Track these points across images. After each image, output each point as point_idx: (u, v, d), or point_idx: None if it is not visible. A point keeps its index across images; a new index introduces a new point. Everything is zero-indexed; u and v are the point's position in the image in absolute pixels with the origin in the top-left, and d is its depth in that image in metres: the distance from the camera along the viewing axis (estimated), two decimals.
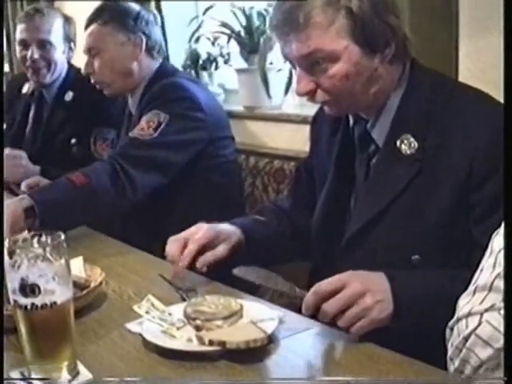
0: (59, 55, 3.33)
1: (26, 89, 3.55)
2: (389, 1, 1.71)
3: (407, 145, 1.68)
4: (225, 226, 1.93)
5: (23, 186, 2.84)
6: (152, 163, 2.52)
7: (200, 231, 1.84)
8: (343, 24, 1.63)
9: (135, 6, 2.84)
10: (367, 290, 1.48)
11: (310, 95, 1.72)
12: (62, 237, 1.35)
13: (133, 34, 2.74)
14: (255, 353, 1.44)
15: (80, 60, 2.99)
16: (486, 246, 1.31)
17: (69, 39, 3.36)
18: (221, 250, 1.86)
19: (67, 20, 3.38)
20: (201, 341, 1.46)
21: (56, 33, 3.31)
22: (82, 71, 2.85)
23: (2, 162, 1.66)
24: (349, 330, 1.48)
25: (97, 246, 2.27)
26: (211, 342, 1.44)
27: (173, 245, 1.85)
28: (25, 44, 3.31)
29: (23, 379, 1.39)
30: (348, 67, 1.66)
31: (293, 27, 1.65)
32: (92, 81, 2.83)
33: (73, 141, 3.28)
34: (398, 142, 1.69)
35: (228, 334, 1.47)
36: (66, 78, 3.37)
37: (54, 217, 2.21)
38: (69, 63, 3.39)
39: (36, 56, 3.30)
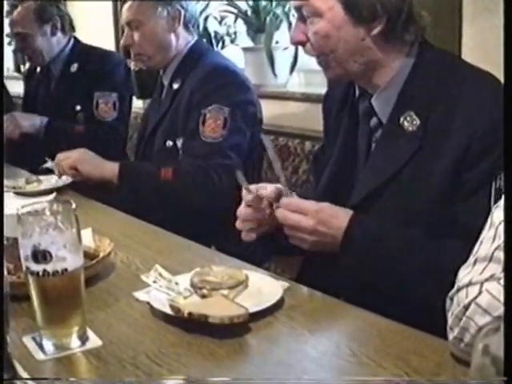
0: (41, 40, 3.44)
1: (38, 69, 3.69)
2: None
3: (410, 121, 1.70)
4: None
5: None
6: (234, 160, 2.59)
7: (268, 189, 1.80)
8: None
9: None
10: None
11: (301, 45, 1.79)
12: (73, 206, 1.39)
13: (171, 7, 2.77)
14: (259, 324, 1.48)
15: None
16: (468, 224, 1.36)
17: (48, 20, 3.45)
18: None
19: (44, 3, 3.46)
20: (179, 312, 1.47)
21: (29, 23, 3.43)
22: (121, 43, 2.90)
23: (2, 163, 1.69)
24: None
25: (105, 219, 2.31)
26: (190, 315, 1.45)
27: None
28: (10, 37, 3.47)
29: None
30: (330, 27, 1.69)
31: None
32: (131, 53, 2.88)
33: (77, 107, 3.39)
34: (402, 119, 1.71)
35: (208, 308, 1.47)
36: (71, 51, 3.47)
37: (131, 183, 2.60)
38: (74, 38, 3.49)
39: (18, 47, 3.58)
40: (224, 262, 1.82)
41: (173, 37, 2.79)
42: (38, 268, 1.34)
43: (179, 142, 2.67)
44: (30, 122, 3.38)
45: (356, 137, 1.86)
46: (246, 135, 2.67)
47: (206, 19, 3.61)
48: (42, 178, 2.88)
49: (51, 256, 1.33)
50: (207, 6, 3.55)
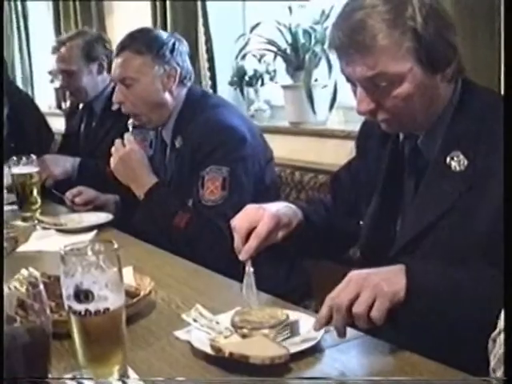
0: (86, 78, 3.49)
1: (81, 105, 3.72)
2: (449, 19, 1.71)
3: (457, 162, 1.68)
4: (287, 211, 1.94)
5: (68, 195, 2.95)
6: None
7: (262, 223, 1.83)
8: (408, 46, 1.63)
9: (170, 36, 2.79)
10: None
11: (371, 114, 1.73)
12: (116, 246, 1.40)
13: (168, 65, 2.69)
14: (300, 364, 1.47)
15: None
16: None
17: (95, 59, 3.51)
18: (278, 237, 1.89)
19: (91, 41, 3.52)
20: (220, 352, 1.47)
21: (75, 60, 3.49)
22: (113, 99, 2.83)
23: (1, 164, 1.70)
24: (369, 317, 1.49)
25: (146, 257, 2.32)
26: (231, 355, 1.45)
27: (236, 236, 1.85)
28: (55, 74, 3.51)
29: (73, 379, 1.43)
30: (411, 88, 1.66)
31: (358, 49, 1.64)
32: (123, 110, 2.80)
33: None
34: (448, 159, 1.69)
35: (249, 349, 1.47)
36: (113, 90, 3.47)
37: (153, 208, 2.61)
38: None
39: (64, 84, 3.60)
40: (264, 301, 1.82)
41: (167, 95, 2.71)
42: (80, 307, 1.35)
43: (189, 204, 2.63)
44: (62, 167, 3.39)
45: (401, 178, 1.85)
46: (249, 190, 2.61)
47: (244, 57, 3.63)
48: (82, 215, 2.91)
49: (93, 296, 1.34)
50: (246, 44, 3.57)
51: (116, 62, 2.74)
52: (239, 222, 1.85)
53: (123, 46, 2.72)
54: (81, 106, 3.76)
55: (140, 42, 2.70)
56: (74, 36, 3.61)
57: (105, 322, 1.37)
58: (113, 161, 2.74)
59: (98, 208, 3.01)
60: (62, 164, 3.42)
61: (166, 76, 2.69)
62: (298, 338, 1.57)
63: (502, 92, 1.32)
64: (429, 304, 1.54)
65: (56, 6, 5.42)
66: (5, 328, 1.28)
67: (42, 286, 1.28)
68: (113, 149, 2.75)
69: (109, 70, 3.46)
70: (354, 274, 1.55)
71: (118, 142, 2.77)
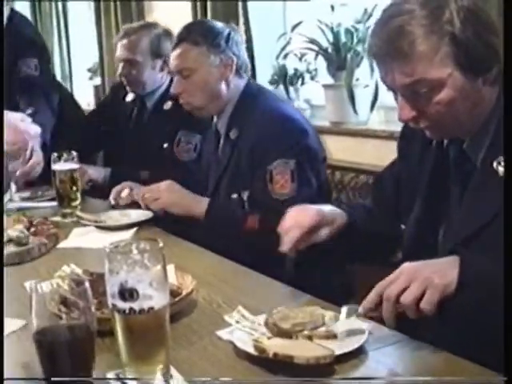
0: (148, 71, 3.46)
1: (129, 97, 3.72)
2: (489, 21, 1.67)
3: (503, 165, 1.66)
4: (331, 210, 1.95)
5: (113, 193, 2.95)
6: None
7: (306, 216, 1.86)
8: (447, 51, 1.60)
9: (224, 26, 2.83)
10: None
11: (414, 122, 1.71)
12: (161, 244, 1.39)
13: (224, 54, 2.72)
14: (344, 366, 1.46)
15: None
16: None
17: (161, 55, 3.48)
18: (322, 235, 1.89)
19: (161, 36, 3.48)
20: (264, 353, 1.46)
21: (142, 52, 3.45)
22: (171, 91, 2.86)
23: (1, 163, 1.74)
24: (419, 309, 1.48)
25: (185, 255, 2.31)
26: (276, 355, 1.45)
27: (283, 224, 1.89)
28: (118, 61, 3.51)
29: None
30: (452, 93, 1.63)
31: (396, 57, 1.63)
32: (180, 101, 2.84)
33: (165, 145, 3.40)
34: (495, 163, 1.67)
35: (293, 349, 1.47)
36: (167, 88, 3.47)
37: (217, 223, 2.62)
38: (171, 75, 3.51)
39: (124, 73, 3.53)
40: (306, 302, 1.81)
41: (224, 85, 2.74)
42: (124, 306, 1.35)
43: (244, 195, 2.64)
44: (97, 172, 3.42)
45: (446, 182, 1.82)
46: (314, 183, 2.63)
47: (285, 56, 3.62)
48: (122, 212, 2.91)
49: (138, 294, 1.34)
50: (288, 43, 3.56)
51: (173, 54, 2.79)
52: (285, 222, 1.88)
53: (180, 39, 2.78)
54: (129, 97, 3.73)
55: (196, 33, 2.75)
56: (145, 27, 3.60)
57: (149, 321, 1.37)
58: (160, 204, 2.72)
59: (139, 206, 3.00)
60: (97, 170, 3.46)
61: (222, 66, 2.73)
62: (342, 339, 1.55)
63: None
64: (480, 297, 1.51)
65: (97, 5, 5.44)
66: (48, 325, 1.29)
67: (87, 284, 1.29)
68: (148, 198, 2.74)
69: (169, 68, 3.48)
70: (406, 266, 1.56)
71: (145, 190, 2.79)
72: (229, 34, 2.75)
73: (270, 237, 2.51)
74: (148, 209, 2.75)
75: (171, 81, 3.47)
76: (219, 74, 2.73)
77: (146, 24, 3.71)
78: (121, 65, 3.54)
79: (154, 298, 1.35)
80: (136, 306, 1.34)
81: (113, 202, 2.97)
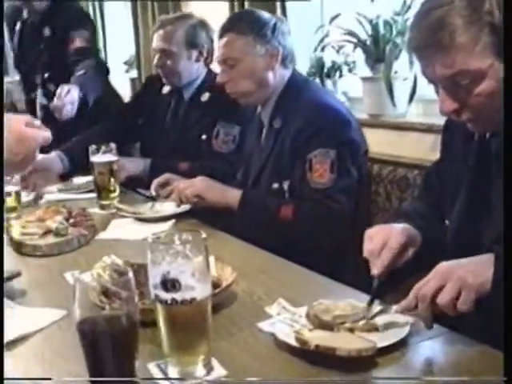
0: (184, 62, 3.46)
1: (166, 89, 3.71)
2: None
3: None
4: (410, 228, 1.90)
5: (153, 185, 2.96)
6: (344, 204, 2.55)
7: (394, 237, 1.81)
8: (487, 42, 1.57)
9: (271, 16, 2.82)
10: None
11: (455, 114, 1.68)
12: (203, 235, 1.40)
13: (270, 44, 2.72)
14: (386, 358, 1.45)
15: None
16: None
17: (197, 45, 3.47)
18: (409, 254, 1.84)
19: (196, 26, 3.48)
20: (306, 345, 1.46)
21: (177, 42, 3.45)
22: (217, 80, 2.86)
23: (1, 163, 1.68)
24: (455, 309, 1.48)
25: (224, 247, 2.31)
26: (318, 347, 1.44)
27: (369, 246, 1.83)
28: (154, 52, 3.54)
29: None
30: (494, 84, 1.59)
31: (436, 48, 1.60)
32: (227, 90, 2.84)
33: (203, 137, 3.41)
34: None
35: (335, 341, 1.46)
36: (204, 80, 3.49)
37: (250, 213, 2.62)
38: (208, 67, 3.53)
39: (160, 63, 3.53)
40: (346, 294, 1.81)
41: (270, 74, 2.74)
42: (166, 296, 1.35)
43: (285, 185, 2.64)
44: (135, 165, 3.41)
45: (489, 176, 1.80)
46: (354, 174, 2.61)
47: (323, 49, 3.61)
48: (160, 204, 2.91)
49: (180, 285, 1.34)
50: (326, 35, 3.55)
51: (219, 43, 2.80)
52: (370, 244, 1.83)
53: (226, 29, 2.78)
54: (165, 89, 3.74)
55: (242, 23, 2.76)
56: (180, 17, 3.61)
57: (191, 312, 1.38)
58: (195, 190, 2.70)
59: None
60: (135, 162, 3.45)
61: (268, 56, 2.72)
62: (384, 332, 1.54)
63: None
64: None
65: None
66: (91, 315, 1.29)
67: (131, 274, 1.29)
68: (183, 187, 2.74)
69: (205, 59, 3.49)
70: (441, 266, 1.56)
71: (178, 184, 2.78)
72: (275, 24, 2.74)
73: (303, 226, 2.53)
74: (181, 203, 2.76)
75: (208, 72, 3.51)
76: (265, 64, 2.72)
77: (181, 15, 3.72)
78: (157, 56, 3.54)
79: (197, 289, 1.36)
80: (178, 296, 1.35)
81: (154, 194, 2.98)
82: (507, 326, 1.25)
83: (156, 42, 3.53)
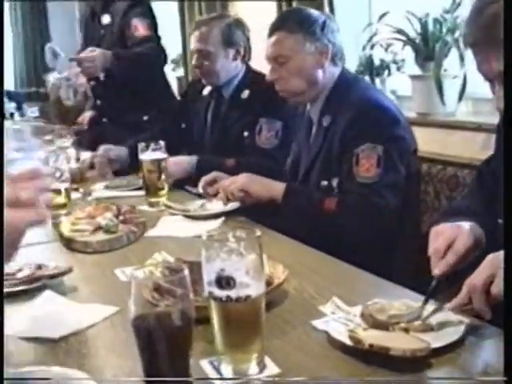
0: (221, 61, 3.48)
1: (206, 91, 3.73)
2: None
3: None
4: (477, 230, 1.84)
5: (201, 183, 2.97)
6: (389, 199, 2.53)
7: (461, 239, 1.75)
8: None
9: (320, 14, 2.81)
10: None
11: None
12: (258, 233, 1.39)
13: (319, 42, 2.70)
14: (440, 359, 1.44)
15: None
16: None
17: (233, 44, 3.50)
18: (472, 256, 1.78)
19: (232, 25, 3.51)
20: (360, 344, 1.45)
21: (214, 42, 3.48)
22: (267, 78, 2.85)
23: (1, 161, 1.67)
24: None
25: (275, 245, 2.31)
26: (372, 347, 1.44)
27: (434, 245, 1.78)
28: (192, 53, 3.59)
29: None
30: None
31: (492, 44, 1.58)
32: (276, 88, 2.83)
33: (245, 134, 3.43)
34: None
35: (389, 341, 1.45)
36: (243, 78, 3.51)
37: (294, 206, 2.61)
38: (246, 64, 3.55)
39: (198, 64, 3.56)
40: (398, 293, 1.80)
41: (320, 72, 2.72)
42: (221, 294, 1.36)
43: (334, 182, 2.63)
44: (181, 167, 3.38)
45: None
46: (401, 172, 2.59)
47: (372, 47, 3.60)
48: (208, 202, 2.92)
49: (235, 282, 1.34)
50: (375, 33, 3.54)
51: (269, 41, 2.78)
52: (435, 242, 1.78)
53: (276, 27, 2.77)
54: (206, 91, 3.75)
55: (291, 21, 2.75)
56: (215, 18, 3.63)
57: (245, 309, 1.38)
58: (239, 185, 2.71)
59: None
60: (180, 165, 3.43)
61: (317, 53, 2.71)
62: (438, 332, 1.53)
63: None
64: None
65: None
66: (146, 311, 1.30)
67: (186, 272, 1.29)
68: (228, 184, 2.75)
69: (242, 57, 3.50)
70: (491, 256, 1.55)
71: (223, 182, 2.79)
72: (324, 22, 2.73)
73: (347, 219, 2.52)
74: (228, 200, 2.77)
75: (247, 70, 3.53)
76: (314, 62, 2.71)
77: (216, 15, 3.75)
78: (194, 57, 3.57)
79: (251, 287, 1.36)
80: (233, 293, 1.35)
81: (201, 192, 2.98)
82: (507, 326, 1.24)
83: (193, 43, 3.58)
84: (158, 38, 4.51)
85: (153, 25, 4.48)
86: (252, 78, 3.52)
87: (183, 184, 3.36)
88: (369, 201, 2.49)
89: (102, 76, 4.48)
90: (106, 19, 4.62)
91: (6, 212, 1.24)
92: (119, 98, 4.58)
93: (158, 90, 4.52)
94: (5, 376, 1.12)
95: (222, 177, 2.92)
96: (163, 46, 4.52)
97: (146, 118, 4.51)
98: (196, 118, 3.75)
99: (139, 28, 4.40)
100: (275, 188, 2.67)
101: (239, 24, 3.57)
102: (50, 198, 1.42)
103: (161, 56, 4.48)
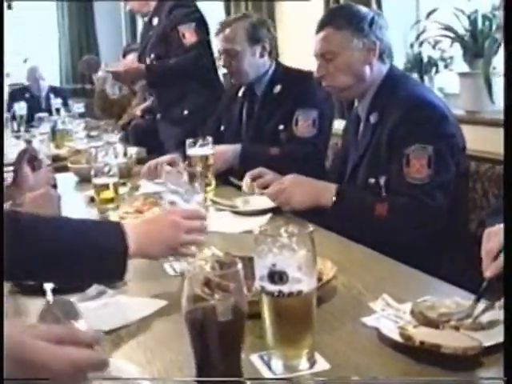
0: (248, 59, 3.54)
1: (241, 92, 3.78)
2: None
3: None
4: None
5: (246, 177, 2.98)
6: (439, 200, 2.51)
7: None
8: None
9: (368, 11, 2.81)
10: None
11: None
12: (310, 229, 1.40)
13: (367, 39, 2.70)
14: (491, 358, 1.43)
15: None
16: None
17: (258, 41, 3.54)
18: None
19: (256, 24, 3.57)
20: (410, 341, 1.45)
21: (239, 41, 3.53)
22: (314, 74, 2.85)
23: (1, 161, 1.64)
24: None
25: (323, 241, 2.30)
26: (422, 344, 1.43)
27: (487, 246, 1.75)
28: (219, 54, 3.66)
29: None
30: None
31: None
32: (323, 84, 2.84)
33: (281, 127, 3.47)
34: None
35: (440, 338, 1.45)
36: (274, 73, 3.59)
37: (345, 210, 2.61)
38: (276, 60, 3.63)
39: (226, 64, 3.62)
40: (446, 291, 1.79)
41: (367, 68, 2.72)
42: (273, 288, 1.36)
43: (382, 180, 2.62)
44: (224, 158, 3.40)
45: None
46: (452, 170, 2.57)
47: (421, 44, 3.58)
48: (255, 197, 2.92)
49: (287, 277, 1.35)
50: (424, 30, 3.52)
51: (316, 37, 2.79)
52: (488, 244, 1.75)
53: (324, 23, 2.77)
54: (240, 92, 3.78)
55: (340, 17, 2.75)
56: (239, 18, 3.67)
57: (297, 305, 1.38)
58: (285, 203, 2.72)
59: None
60: (224, 155, 3.45)
61: (365, 50, 2.71)
62: (490, 330, 1.52)
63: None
64: None
65: None
66: (198, 306, 1.30)
67: (240, 266, 1.30)
68: (272, 194, 2.74)
69: (269, 53, 3.53)
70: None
71: (270, 187, 2.77)
72: (373, 18, 2.73)
73: (398, 223, 2.51)
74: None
75: (277, 65, 3.61)
76: (362, 58, 2.71)
77: (240, 15, 3.78)
78: (222, 57, 3.61)
79: (303, 282, 1.36)
80: (285, 288, 1.35)
81: (246, 188, 2.99)
82: (507, 326, 1.22)
83: (219, 44, 3.63)
84: (207, 40, 4.55)
85: (199, 26, 4.52)
86: (283, 72, 3.59)
87: (227, 175, 3.37)
88: (420, 203, 2.48)
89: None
90: (155, 21, 4.75)
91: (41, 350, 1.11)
92: (165, 94, 4.71)
93: (199, 88, 4.57)
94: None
95: (266, 172, 2.93)
96: (211, 47, 4.56)
97: (186, 112, 4.61)
98: (232, 119, 3.80)
99: (186, 35, 4.49)
100: (324, 196, 2.65)
101: (263, 22, 3.65)
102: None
103: (202, 61, 4.53)
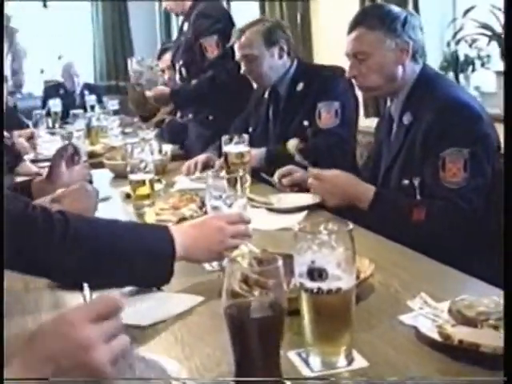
0: (267, 62, 3.57)
1: (266, 93, 3.82)
2: None
3: None
4: None
5: (277, 174, 2.99)
6: (475, 204, 2.52)
7: None
8: None
9: (401, 10, 2.79)
10: None
11: None
12: (350, 226, 1.40)
13: (400, 39, 2.69)
14: None
15: None
16: None
17: (275, 42, 3.58)
18: None
19: (270, 27, 3.60)
20: (449, 340, 1.45)
21: (257, 45, 3.57)
22: (346, 74, 2.86)
23: (1, 161, 1.63)
24: None
25: (359, 239, 2.29)
26: (461, 343, 1.43)
27: None
28: (239, 61, 3.68)
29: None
30: None
31: None
32: (355, 84, 2.86)
33: (305, 123, 3.51)
34: None
35: (479, 337, 1.44)
36: (296, 71, 3.63)
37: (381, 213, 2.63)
38: (297, 58, 3.68)
39: (247, 70, 3.66)
40: (485, 291, 1.78)
41: (400, 69, 2.71)
42: (312, 285, 1.37)
43: (416, 182, 2.61)
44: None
45: None
46: (488, 172, 2.56)
47: (458, 42, 3.56)
48: (290, 195, 2.93)
49: (327, 274, 1.35)
50: (460, 29, 3.51)
51: (349, 37, 2.79)
52: None
53: (356, 22, 2.77)
54: (266, 93, 3.79)
55: (372, 17, 2.75)
56: (253, 23, 3.69)
57: (336, 302, 1.39)
58: (323, 194, 2.76)
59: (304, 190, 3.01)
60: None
61: (398, 50, 2.70)
62: None
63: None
64: None
65: None
66: (237, 301, 1.31)
67: (280, 262, 1.30)
68: (312, 184, 2.79)
69: (288, 54, 3.58)
70: None
71: (311, 174, 2.82)
72: (405, 18, 2.71)
73: (435, 227, 2.50)
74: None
75: (298, 64, 3.65)
76: (395, 58, 2.70)
77: (254, 21, 3.79)
78: (242, 64, 3.63)
79: (343, 279, 1.37)
80: (324, 286, 1.36)
81: (277, 184, 3.01)
82: (507, 326, 1.21)
83: (237, 51, 3.66)
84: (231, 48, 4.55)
85: (221, 38, 4.52)
86: (304, 70, 3.64)
87: (259, 172, 3.38)
88: (457, 207, 2.48)
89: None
90: (185, 26, 4.84)
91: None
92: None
93: (223, 97, 4.59)
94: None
95: (296, 170, 2.94)
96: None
97: (211, 118, 4.71)
98: (259, 121, 3.84)
99: (208, 48, 4.55)
100: (361, 199, 2.67)
101: (278, 24, 3.71)
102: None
103: (222, 77, 4.55)
